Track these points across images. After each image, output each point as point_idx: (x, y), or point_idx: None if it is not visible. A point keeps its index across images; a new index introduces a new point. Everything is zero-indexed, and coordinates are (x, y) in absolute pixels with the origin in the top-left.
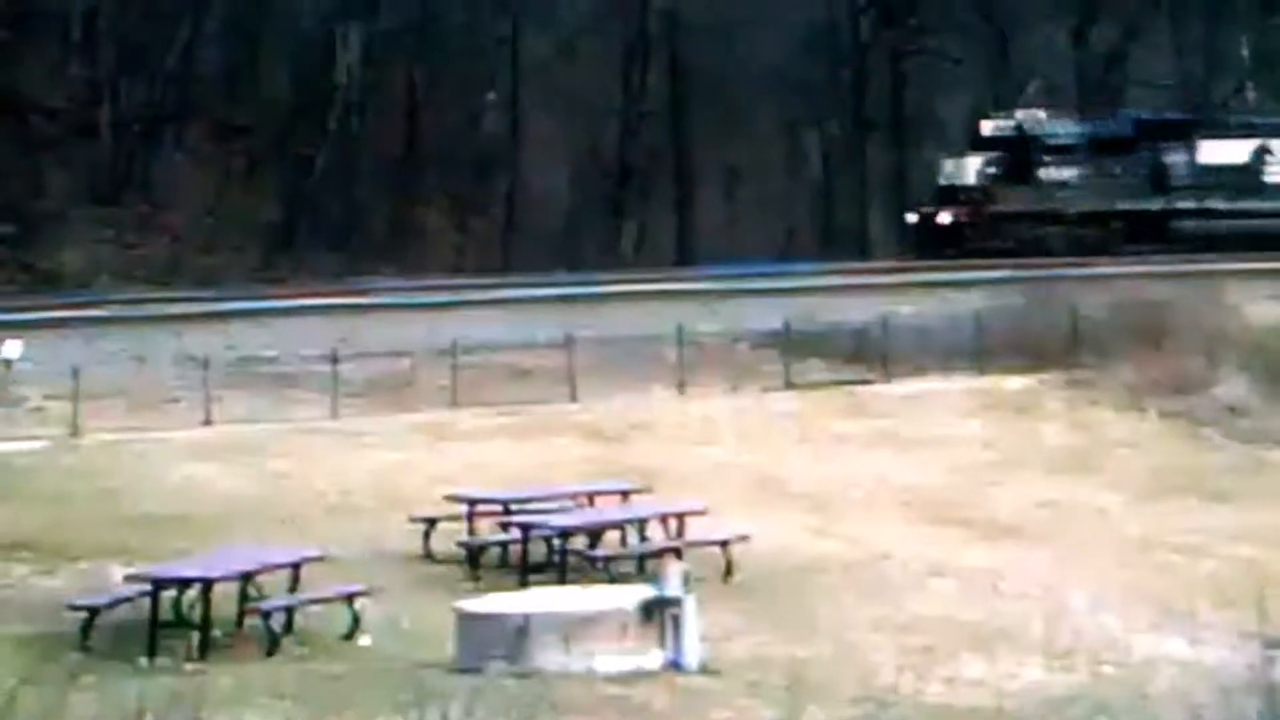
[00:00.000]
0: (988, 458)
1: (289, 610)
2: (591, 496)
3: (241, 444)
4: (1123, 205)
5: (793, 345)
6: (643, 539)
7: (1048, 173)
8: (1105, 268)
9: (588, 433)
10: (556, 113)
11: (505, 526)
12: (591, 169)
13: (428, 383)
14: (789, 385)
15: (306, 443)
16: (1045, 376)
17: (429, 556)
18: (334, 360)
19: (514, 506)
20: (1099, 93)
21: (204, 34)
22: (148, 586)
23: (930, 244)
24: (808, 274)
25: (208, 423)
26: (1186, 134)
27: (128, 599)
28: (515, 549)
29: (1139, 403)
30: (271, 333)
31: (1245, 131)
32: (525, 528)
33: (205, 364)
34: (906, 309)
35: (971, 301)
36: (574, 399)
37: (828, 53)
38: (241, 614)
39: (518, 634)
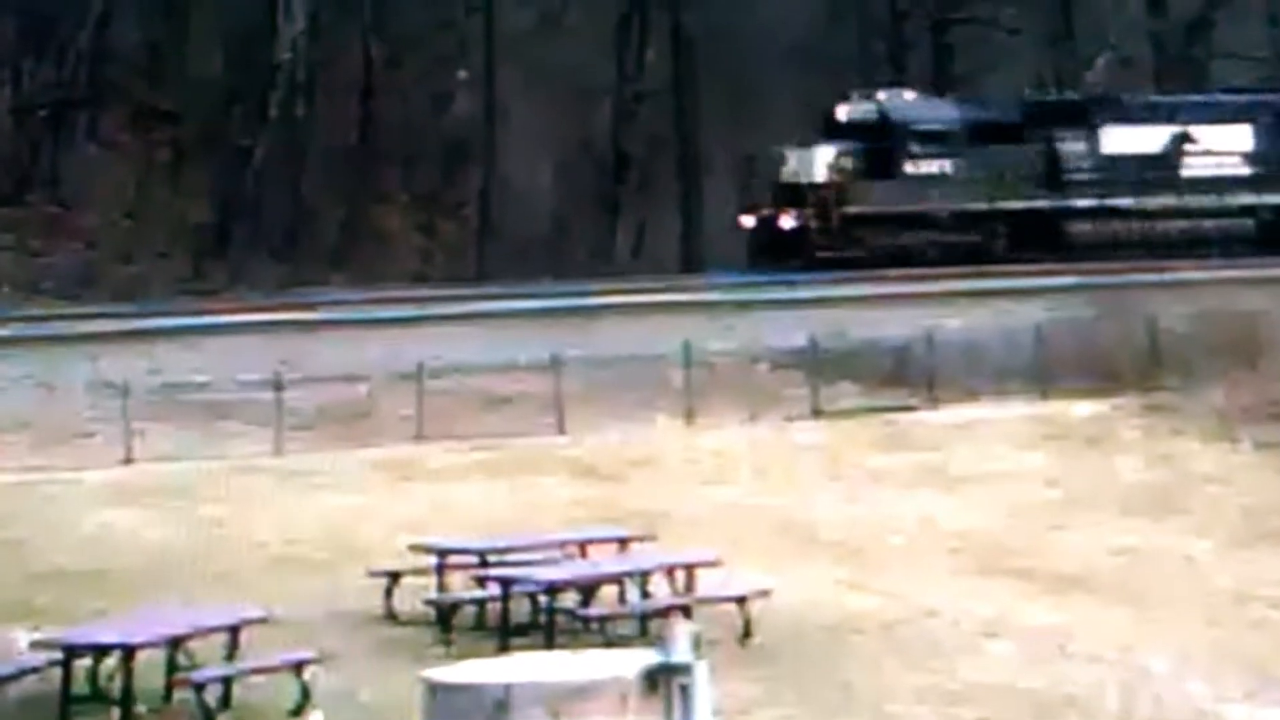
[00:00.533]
0: (1052, 497)
1: (226, 681)
2: (584, 546)
3: (168, 485)
4: (1006, 205)
5: (820, 366)
6: (645, 595)
7: (916, 166)
8: (1190, 272)
9: (579, 470)
10: (539, 94)
11: (482, 581)
12: (581, 160)
13: (388, 413)
14: (816, 413)
15: (245, 484)
16: (1119, 401)
17: (391, 617)
18: (277, 387)
19: (492, 558)
20: (1181, 66)
21: (121, 4)
22: (58, 654)
23: (768, 252)
24: (837, 281)
25: (128, 460)
26: (1086, 119)
27: (35, 669)
28: (494, 607)
29: (1230, 432)
30: (203, 355)
31: (1158, 115)
32: (505, 582)
33: (125, 391)
34: (954, 322)
35: (1031, 313)
36: (562, 431)
37: (858, 21)
38: (170, 686)
39: (497, 708)
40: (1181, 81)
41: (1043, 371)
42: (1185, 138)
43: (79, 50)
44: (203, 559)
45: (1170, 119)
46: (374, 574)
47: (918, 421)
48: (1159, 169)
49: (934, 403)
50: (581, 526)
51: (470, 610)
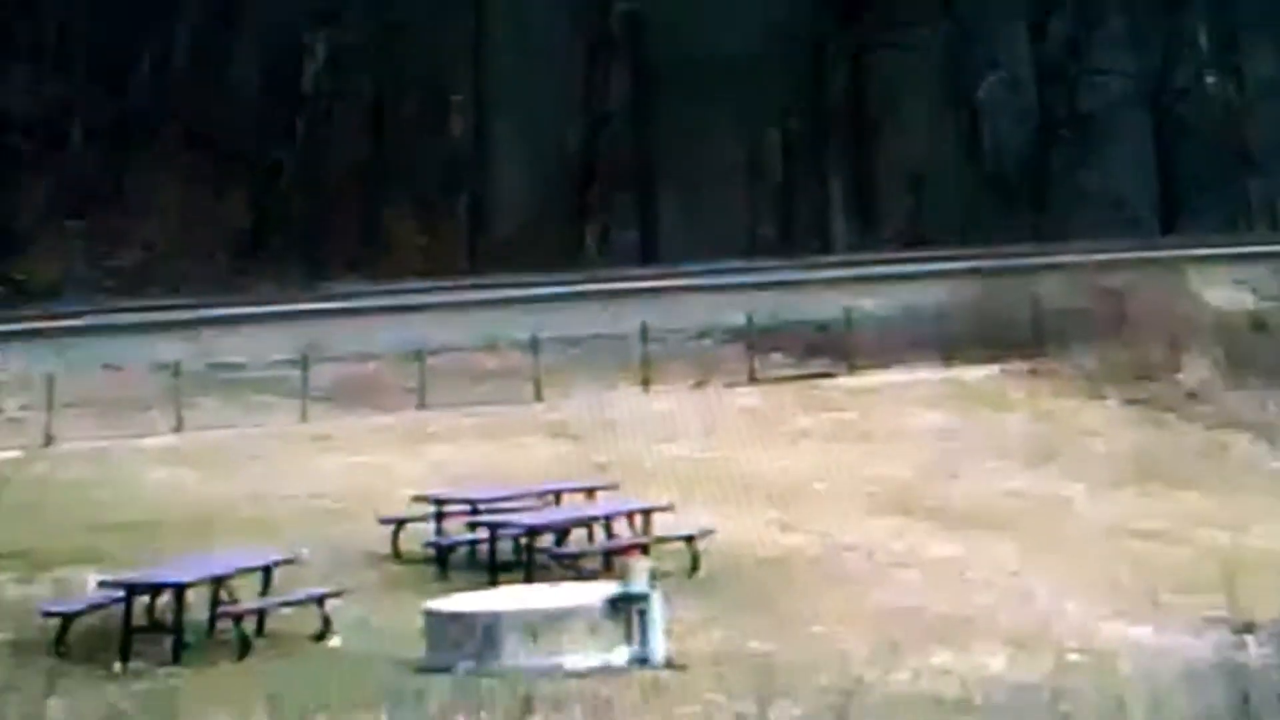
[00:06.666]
0: (951, 448)
1: (260, 613)
2: (558, 495)
3: (212, 449)
4: None
5: (758, 339)
6: (609, 536)
7: None
8: (1067, 256)
9: (553, 431)
10: (521, 116)
11: (473, 526)
12: (556, 171)
13: (395, 386)
14: (752, 380)
15: (276, 447)
16: (1007, 366)
17: (398, 557)
18: (302, 365)
19: (481, 506)
20: (1057, 83)
21: (175, 45)
22: (121, 592)
23: None
24: (770, 269)
25: (179, 429)
26: None
27: (102, 605)
28: (483, 548)
29: (1101, 390)
30: (241, 339)
31: None
32: (493, 527)
33: (176, 371)
34: (869, 303)
35: (934, 294)
36: (539, 398)
37: (788, 50)
38: (214, 618)
39: (486, 632)
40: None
41: (943, 343)
42: None
43: (139, 81)
44: (241, 510)
45: None
46: (383, 521)
47: (837, 386)
48: None
49: (851, 371)
50: (556, 479)
51: (464, 551)
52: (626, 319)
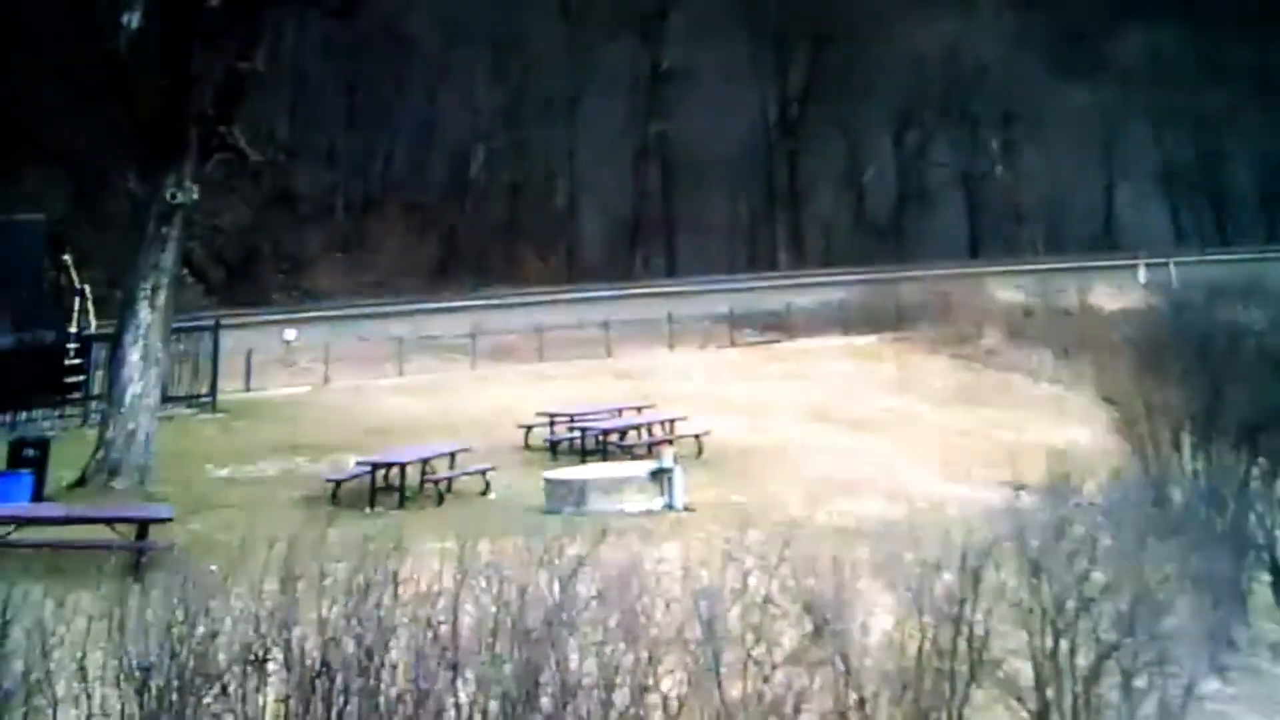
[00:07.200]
0: (849, 384)
1: (449, 480)
2: (621, 411)
3: (422, 386)
4: None
5: (736, 320)
6: (650, 434)
7: None
8: (915, 271)
9: (617, 375)
10: (596, 193)
11: (571, 429)
12: (617, 224)
13: (526, 348)
14: (733, 344)
15: (458, 384)
16: (882, 336)
17: (527, 448)
18: (472, 337)
19: (576, 418)
20: (909, 171)
21: (396, 149)
22: (369, 468)
23: None
24: (743, 280)
25: (401, 374)
26: None
27: (358, 475)
28: (577, 442)
29: (937, 350)
30: (436, 322)
31: None
32: (583, 430)
33: (400, 340)
34: (801, 299)
35: (838, 294)
36: (610, 356)
37: (752, 154)
38: (422, 482)
39: (579, 491)
40: None
41: (844, 322)
42: None
43: (374, 172)
44: (438, 421)
45: None
46: (519, 426)
47: (783, 348)
48: None
49: (792, 338)
50: (619, 402)
51: (566, 444)
52: (659, 309)
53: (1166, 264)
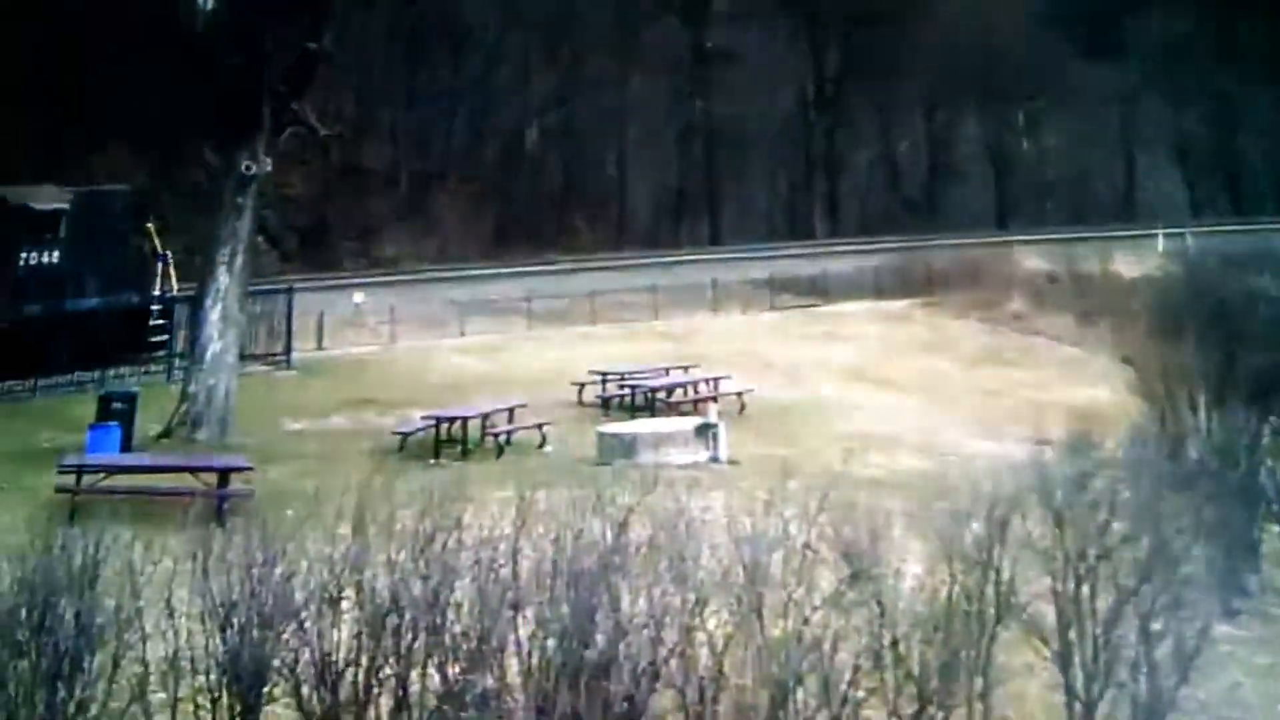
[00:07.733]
0: (883, 345)
1: (509, 433)
2: (668, 370)
3: (481, 346)
4: None
5: (775, 286)
6: (695, 392)
7: None
8: (946, 240)
9: (665, 336)
10: (645, 166)
11: (622, 387)
12: (663, 195)
13: (580, 311)
14: (773, 308)
15: (516, 344)
16: (914, 301)
17: (580, 404)
18: (528, 300)
19: (626, 376)
20: (941, 145)
21: (454, 128)
22: (434, 421)
23: None
24: (782, 247)
25: (462, 334)
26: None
27: (423, 428)
28: (627, 399)
29: (966, 314)
30: (494, 287)
31: None
32: (633, 387)
33: (461, 305)
34: (837, 265)
35: (873, 261)
36: (657, 318)
37: (790, 128)
38: (483, 435)
39: (630, 444)
40: None
41: (878, 288)
42: None
43: (436, 149)
44: (497, 379)
45: None
46: (573, 384)
47: (820, 312)
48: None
49: (828, 303)
50: (667, 361)
51: (617, 400)
52: (703, 275)
53: (1183, 234)
